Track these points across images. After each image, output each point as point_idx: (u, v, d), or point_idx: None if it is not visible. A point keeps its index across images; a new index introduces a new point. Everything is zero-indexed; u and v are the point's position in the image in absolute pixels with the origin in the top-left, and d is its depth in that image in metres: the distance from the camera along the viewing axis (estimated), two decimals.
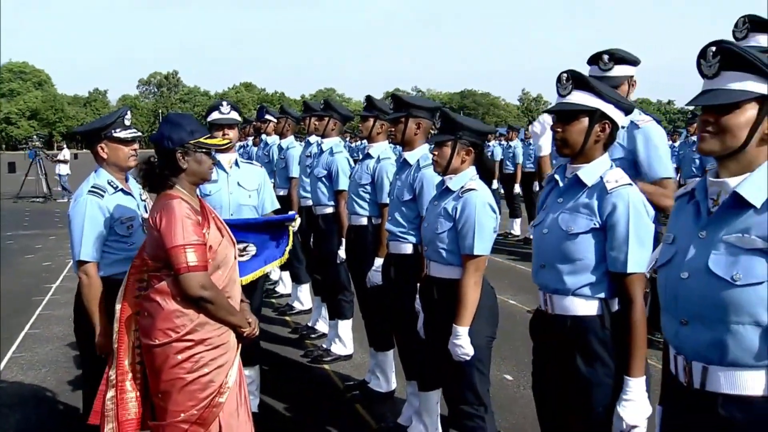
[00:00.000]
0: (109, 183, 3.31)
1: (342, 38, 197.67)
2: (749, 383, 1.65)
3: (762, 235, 1.62)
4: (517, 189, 12.28)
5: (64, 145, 22.94)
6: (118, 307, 2.90)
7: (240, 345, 2.89)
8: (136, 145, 3.42)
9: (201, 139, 2.79)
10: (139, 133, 3.47)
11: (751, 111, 1.65)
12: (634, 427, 2.28)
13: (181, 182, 2.79)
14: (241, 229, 3.65)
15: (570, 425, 2.45)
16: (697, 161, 8.51)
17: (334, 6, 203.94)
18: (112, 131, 3.31)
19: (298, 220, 3.78)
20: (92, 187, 3.27)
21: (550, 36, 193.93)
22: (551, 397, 2.52)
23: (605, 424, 2.32)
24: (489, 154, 12.26)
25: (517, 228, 12.15)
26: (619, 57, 3.30)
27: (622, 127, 3.42)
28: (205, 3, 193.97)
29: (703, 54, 1.73)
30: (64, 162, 19.84)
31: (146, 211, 3.35)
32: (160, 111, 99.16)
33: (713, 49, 1.70)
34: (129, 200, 3.37)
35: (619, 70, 3.30)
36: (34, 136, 22.67)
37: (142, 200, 3.47)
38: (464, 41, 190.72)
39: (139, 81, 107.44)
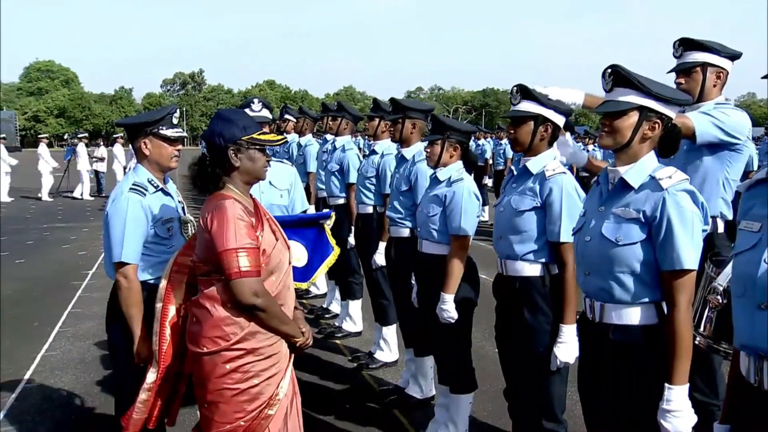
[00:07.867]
0: (149, 181, 3.12)
1: (365, 36, 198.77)
2: (629, 316, 2.27)
3: (636, 208, 2.23)
4: None
5: (101, 143, 22.48)
6: (159, 306, 2.78)
7: (293, 355, 2.70)
8: (180, 146, 3.23)
9: (254, 135, 2.61)
10: (185, 134, 3.29)
11: (633, 117, 2.25)
12: (566, 363, 2.89)
13: (234, 181, 2.63)
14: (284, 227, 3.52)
15: (519, 364, 3.07)
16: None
17: (357, 5, 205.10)
18: (159, 128, 3.12)
19: (333, 217, 3.79)
20: (133, 184, 3.06)
21: (574, 33, 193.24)
22: (507, 342, 3.13)
23: (545, 362, 2.94)
24: (480, 151, 13.36)
25: None
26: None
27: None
28: (231, 3, 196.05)
29: (603, 74, 2.34)
30: (101, 159, 19.99)
31: (184, 213, 3.27)
32: (184, 109, 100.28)
33: (609, 70, 2.32)
34: (169, 200, 3.19)
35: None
36: (66, 135, 22.52)
37: (179, 202, 3.30)
38: (488, 39, 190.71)
39: (164, 81, 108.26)
